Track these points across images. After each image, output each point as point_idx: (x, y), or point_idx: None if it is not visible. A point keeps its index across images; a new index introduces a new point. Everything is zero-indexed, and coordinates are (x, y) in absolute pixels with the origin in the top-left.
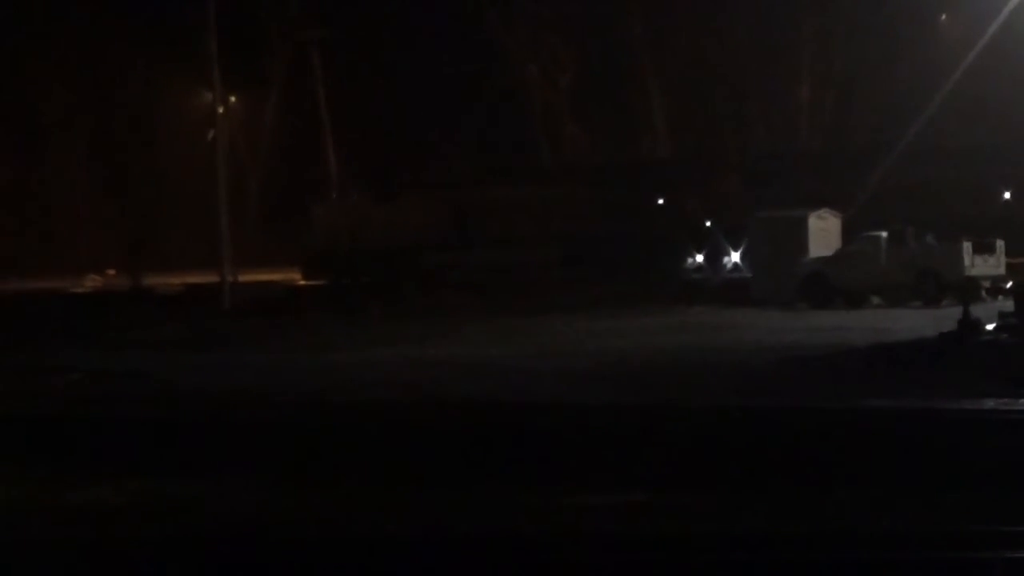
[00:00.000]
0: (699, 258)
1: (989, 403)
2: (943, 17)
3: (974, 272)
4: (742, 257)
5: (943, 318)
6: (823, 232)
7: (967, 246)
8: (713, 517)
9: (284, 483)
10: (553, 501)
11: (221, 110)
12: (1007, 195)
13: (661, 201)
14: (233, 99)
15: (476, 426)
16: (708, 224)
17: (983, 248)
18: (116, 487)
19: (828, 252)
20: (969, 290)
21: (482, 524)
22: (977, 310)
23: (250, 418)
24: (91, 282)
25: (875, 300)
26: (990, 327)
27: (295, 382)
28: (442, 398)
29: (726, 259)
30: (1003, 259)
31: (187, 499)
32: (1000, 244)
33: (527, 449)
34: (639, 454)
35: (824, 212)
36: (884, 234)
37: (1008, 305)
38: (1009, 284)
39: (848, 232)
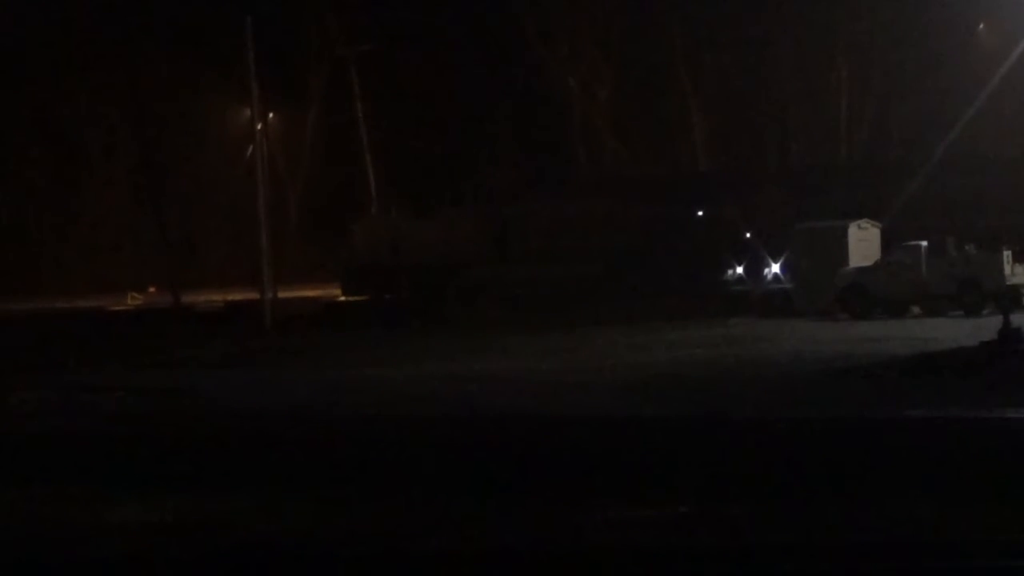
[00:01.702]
0: (739, 270)
1: None
2: (981, 27)
3: (1015, 281)
4: (782, 268)
5: (984, 327)
6: (863, 242)
7: (1007, 255)
8: (756, 528)
9: (328, 499)
10: (595, 514)
11: (260, 126)
12: None
13: (700, 213)
14: (272, 115)
15: (517, 439)
16: (748, 235)
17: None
18: (158, 504)
19: (868, 262)
20: (1010, 299)
21: (523, 538)
22: (1018, 319)
23: (295, 434)
24: (133, 300)
25: (915, 310)
26: None
27: (339, 399)
28: (484, 412)
29: (766, 270)
30: None
31: (228, 515)
32: None
33: (568, 462)
34: (681, 466)
35: (864, 222)
36: (924, 244)
37: None
38: None
39: (888, 242)
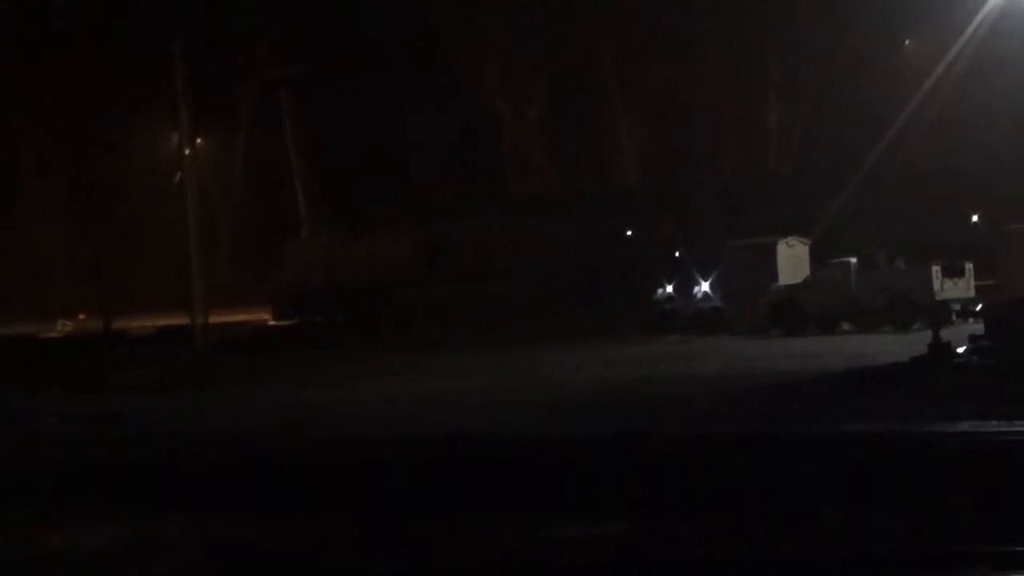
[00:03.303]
0: (670, 288)
1: (963, 425)
2: (907, 42)
3: (944, 295)
4: (712, 285)
5: (914, 342)
6: (793, 259)
7: (937, 270)
8: (692, 544)
9: (265, 520)
10: (529, 533)
11: (188, 151)
12: (975, 218)
13: (631, 231)
14: (200, 139)
15: (448, 459)
16: (679, 253)
17: (953, 271)
18: (94, 530)
19: (798, 279)
20: (939, 314)
21: (456, 557)
22: (948, 333)
23: (227, 456)
24: (63, 327)
25: (846, 326)
26: (961, 350)
27: (272, 421)
28: (415, 432)
29: (697, 288)
30: (973, 282)
31: (164, 540)
32: (969, 267)
33: (499, 481)
34: (616, 483)
35: (793, 239)
36: (854, 259)
37: (978, 328)
38: (979, 307)
39: (818, 258)
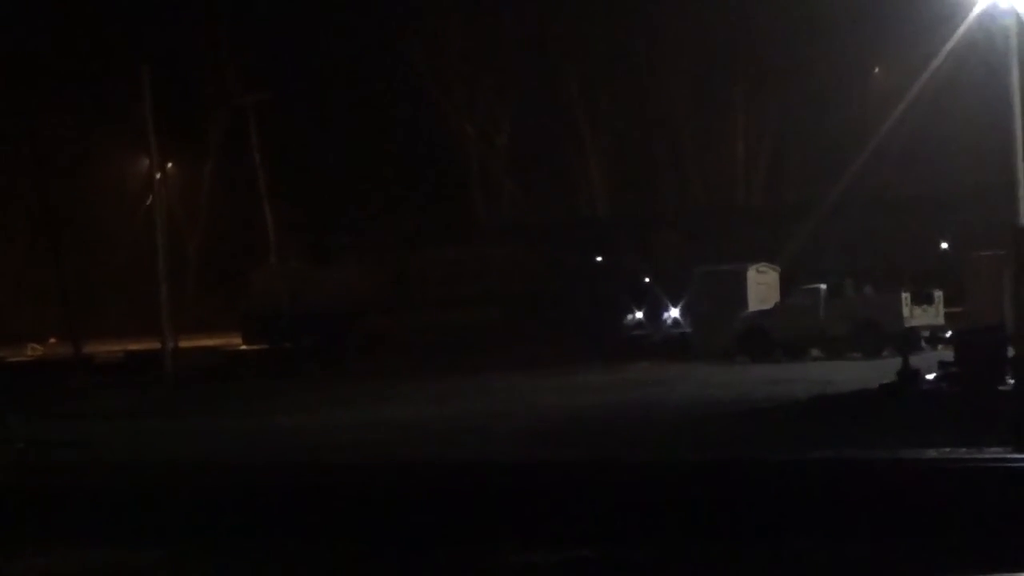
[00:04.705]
0: (639, 314)
1: (930, 452)
2: (876, 70)
3: (913, 322)
4: (681, 312)
5: (883, 369)
6: (762, 285)
7: (905, 296)
8: (656, 571)
9: (235, 550)
10: (498, 559)
11: (158, 176)
12: (944, 245)
13: (600, 258)
14: (170, 165)
15: (415, 487)
16: (647, 280)
17: (922, 298)
18: (62, 556)
19: (767, 305)
20: (908, 341)
21: None
22: (917, 360)
23: (195, 484)
24: (32, 351)
25: (815, 352)
26: (930, 377)
27: (237, 448)
28: (381, 460)
29: (666, 314)
30: (942, 309)
31: (129, 568)
32: (939, 294)
33: (467, 508)
34: (582, 510)
35: (763, 265)
36: (823, 286)
37: (948, 354)
38: (948, 333)
39: (787, 285)
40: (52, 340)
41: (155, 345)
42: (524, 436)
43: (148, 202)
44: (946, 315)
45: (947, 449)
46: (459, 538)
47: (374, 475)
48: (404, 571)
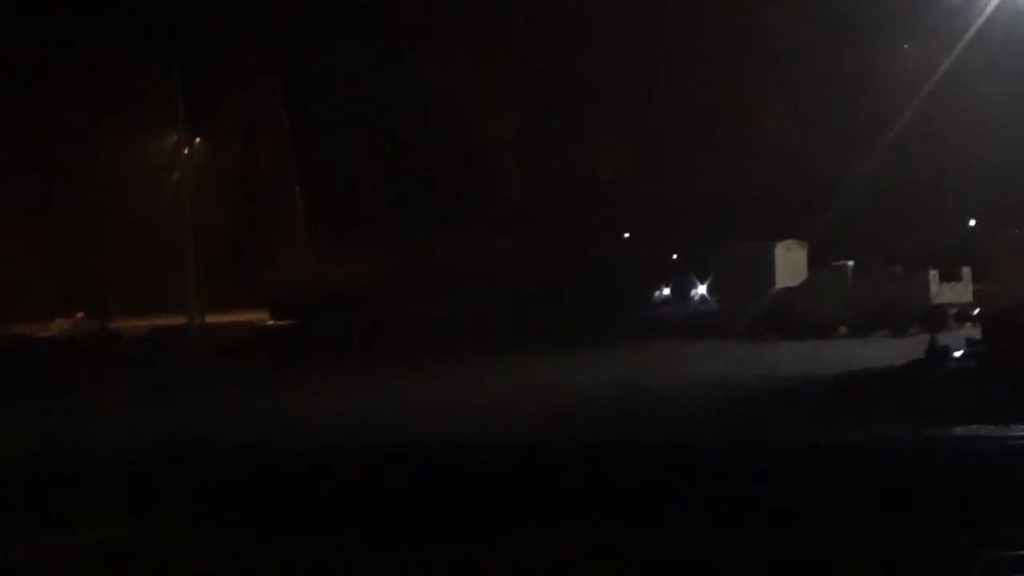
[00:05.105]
0: (666, 291)
1: (957, 430)
2: (905, 47)
3: (941, 300)
4: (709, 290)
5: (910, 347)
6: (790, 263)
7: (933, 274)
8: (679, 548)
9: (257, 532)
10: (512, 540)
11: (186, 151)
12: (972, 222)
13: (627, 235)
14: (198, 140)
15: (429, 467)
16: (674, 257)
17: (949, 276)
18: (66, 535)
19: (795, 282)
20: (936, 318)
21: (443, 565)
22: (944, 338)
23: (194, 464)
24: (59, 326)
25: (842, 330)
26: (957, 355)
27: (252, 426)
28: (388, 441)
29: (693, 292)
30: (970, 287)
31: (140, 548)
32: (966, 271)
33: (487, 488)
34: (603, 490)
35: (791, 243)
36: (850, 264)
37: (975, 332)
38: (976, 311)
39: (814, 262)
40: (79, 315)
41: (183, 320)
42: (543, 416)
43: (176, 177)
44: (974, 293)
45: (974, 426)
46: (479, 517)
47: (389, 456)
48: (425, 550)
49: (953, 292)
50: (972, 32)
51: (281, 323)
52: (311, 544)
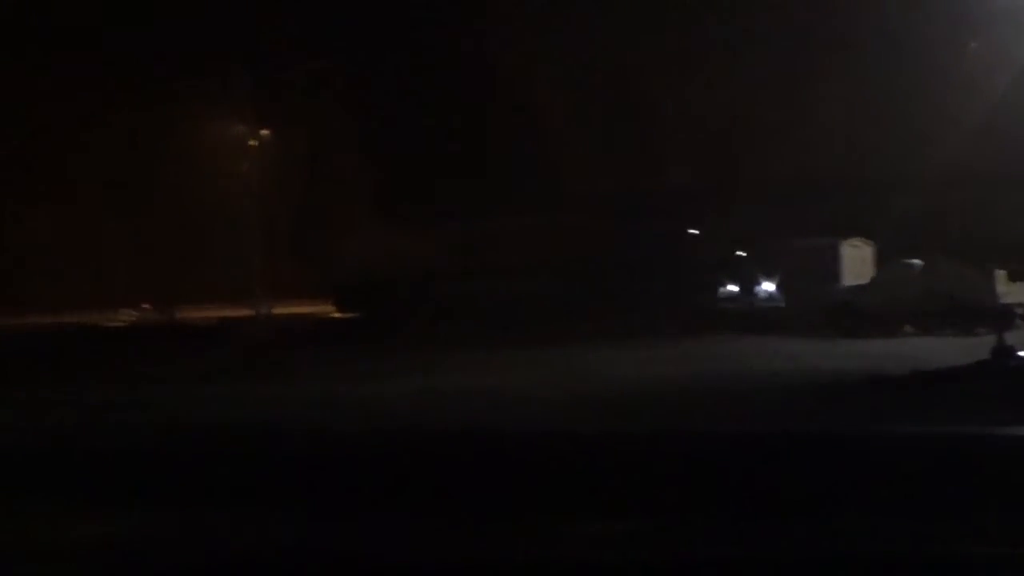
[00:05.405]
0: (732, 286)
1: (1021, 430)
2: (972, 45)
3: (1008, 299)
4: (776, 285)
5: (977, 346)
6: (856, 260)
7: (1001, 273)
8: (712, 542)
9: (289, 514)
10: (553, 529)
11: (253, 143)
12: None
13: (692, 230)
14: (265, 132)
15: (494, 454)
16: (739, 252)
17: (1017, 275)
18: (118, 520)
19: (861, 280)
20: (1003, 318)
21: (479, 552)
22: (1012, 338)
23: (257, 449)
24: (126, 316)
25: (908, 328)
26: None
27: (311, 414)
28: (442, 428)
29: (759, 287)
30: None
31: (204, 530)
32: None
33: (526, 477)
34: (650, 481)
35: (857, 240)
36: (917, 262)
37: None
38: None
39: (881, 260)
40: (146, 305)
41: (249, 311)
42: (598, 406)
43: (243, 168)
44: None
45: None
46: (508, 507)
47: (439, 443)
48: (469, 539)
49: (1021, 291)
50: None
51: (347, 314)
52: (366, 524)
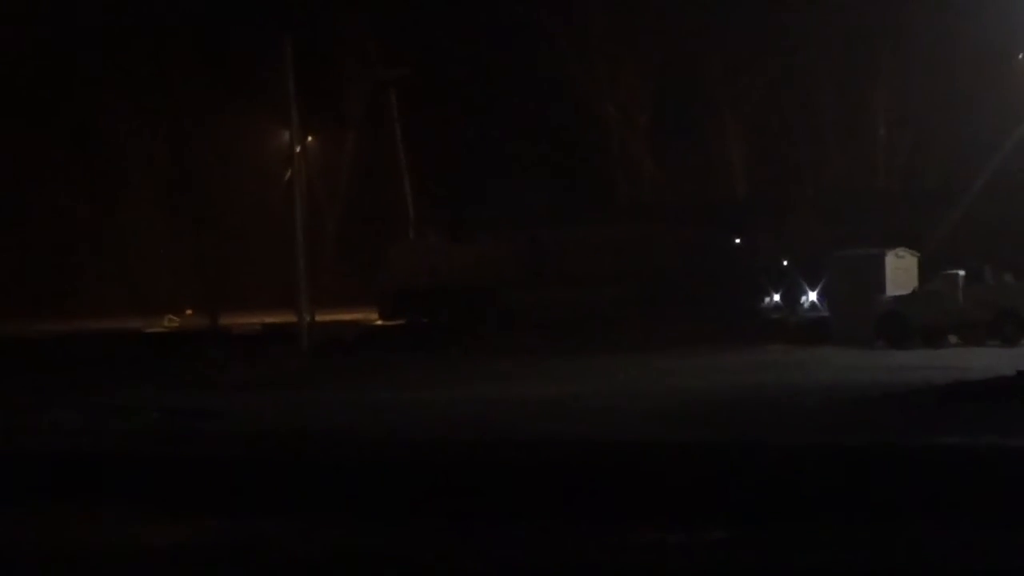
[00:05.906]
0: (776, 297)
1: None
2: (1021, 56)
3: None
4: (820, 296)
5: (1022, 357)
6: (901, 271)
7: None
8: (789, 553)
9: (357, 521)
10: (629, 539)
11: (299, 149)
12: None
13: (738, 240)
14: (311, 139)
15: (550, 463)
16: (785, 263)
17: None
18: (195, 526)
19: (906, 291)
20: None
21: (558, 561)
22: None
23: (323, 456)
24: (169, 322)
25: (953, 339)
26: None
27: (370, 422)
28: (516, 436)
29: (804, 298)
30: None
31: (266, 537)
32: None
33: (602, 486)
34: (715, 492)
35: (902, 251)
36: (962, 273)
37: None
38: None
39: (926, 271)
40: (189, 312)
41: (292, 318)
42: (655, 416)
43: (288, 176)
44: None
45: None
46: (584, 516)
47: (499, 452)
48: (525, 548)
49: None
50: None
51: (391, 322)
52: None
